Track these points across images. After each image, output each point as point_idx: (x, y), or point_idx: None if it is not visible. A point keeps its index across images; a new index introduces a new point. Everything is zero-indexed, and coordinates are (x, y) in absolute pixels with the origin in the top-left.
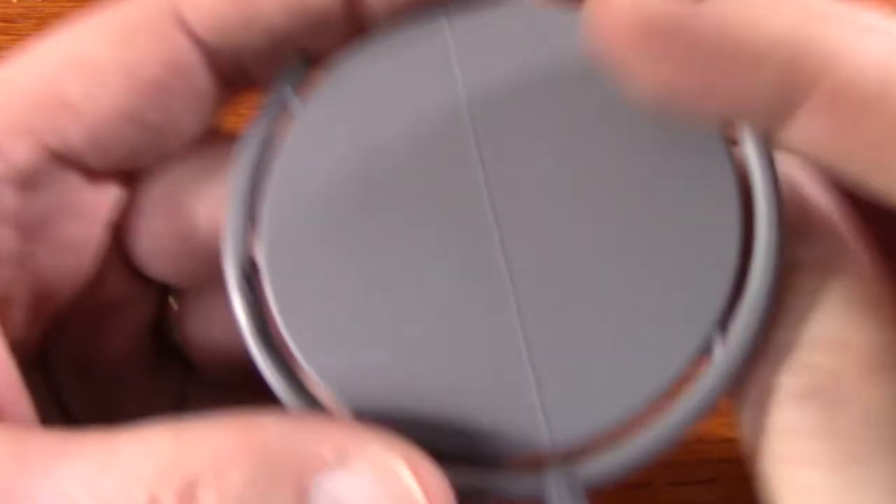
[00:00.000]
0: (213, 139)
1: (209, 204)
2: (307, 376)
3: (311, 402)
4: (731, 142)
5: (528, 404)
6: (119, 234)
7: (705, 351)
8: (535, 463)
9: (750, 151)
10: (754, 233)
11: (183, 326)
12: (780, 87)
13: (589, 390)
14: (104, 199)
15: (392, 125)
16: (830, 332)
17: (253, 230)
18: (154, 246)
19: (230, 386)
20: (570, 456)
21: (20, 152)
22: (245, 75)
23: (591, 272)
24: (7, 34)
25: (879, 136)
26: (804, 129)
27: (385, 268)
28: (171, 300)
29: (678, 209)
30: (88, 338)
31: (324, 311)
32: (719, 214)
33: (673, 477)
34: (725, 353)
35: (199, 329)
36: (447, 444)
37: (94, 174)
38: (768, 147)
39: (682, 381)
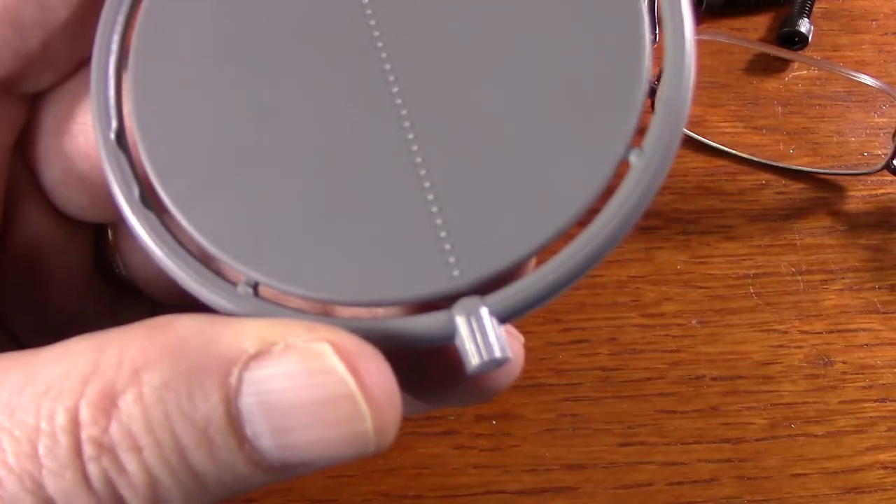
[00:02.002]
0: None
1: None
2: (191, 241)
3: (196, 267)
4: None
5: (434, 244)
6: (29, 163)
7: (621, 164)
8: (446, 304)
9: None
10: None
11: (123, 258)
12: None
13: (497, 224)
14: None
15: None
16: None
17: (121, 95)
18: (63, 169)
19: (195, 308)
20: (483, 292)
21: None
22: None
23: (492, 104)
24: None
25: None
26: None
27: (269, 112)
28: (109, 233)
29: (583, 27)
30: (33, 286)
31: (205, 164)
32: (627, 31)
33: (673, 477)
34: (642, 162)
35: (139, 257)
36: (351, 294)
37: None
38: None
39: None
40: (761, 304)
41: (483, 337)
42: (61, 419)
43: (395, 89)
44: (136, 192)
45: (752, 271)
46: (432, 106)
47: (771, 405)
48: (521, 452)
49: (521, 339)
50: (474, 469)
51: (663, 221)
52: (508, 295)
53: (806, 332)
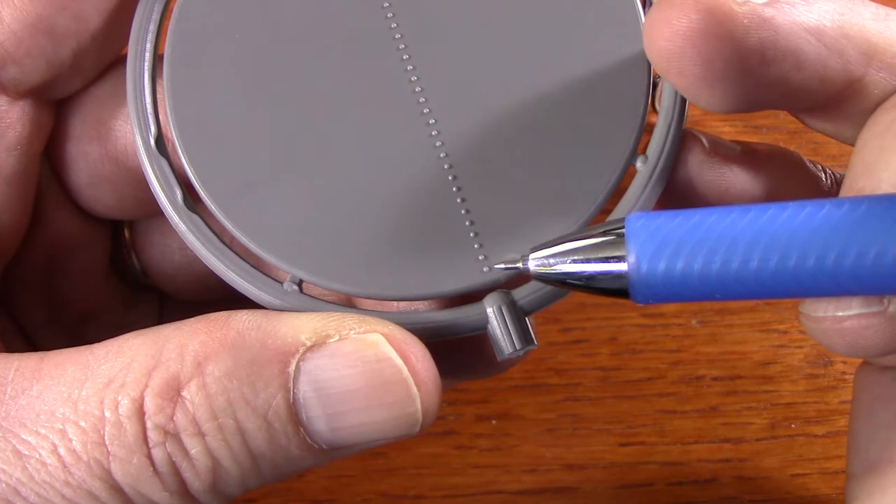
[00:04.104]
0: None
1: None
2: (235, 242)
3: (243, 266)
4: None
5: (466, 242)
6: (57, 167)
7: (628, 166)
8: (475, 298)
9: None
10: None
11: (141, 255)
12: None
13: (521, 224)
14: (30, 125)
15: None
16: None
17: (157, 101)
18: (91, 173)
19: (206, 304)
20: (510, 286)
21: None
22: None
23: (514, 114)
24: None
25: None
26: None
27: (303, 113)
28: (125, 231)
29: (590, 44)
30: (51, 283)
31: (245, 166)
32: (629, 44)
33: (673, 477)
34: (646, 167)
35: (156, 254)
36: (390, 289)
37: (12, 95)
38: None
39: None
40: (761, 304)
41: (513, 327)
42: (127, 408)
43: (419, 90)
44: (179, 195)
45: None
46: (458, 114)
47: (771, 405)
48: (521, 452)
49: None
50: (474, 469)
51: None
52: (533, 288)
53: (806, 333)
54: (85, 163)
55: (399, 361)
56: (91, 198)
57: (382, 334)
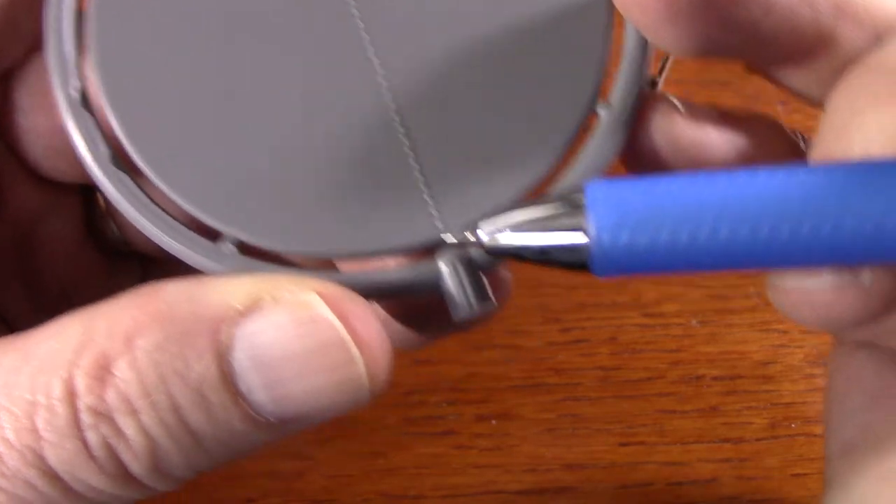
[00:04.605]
0: None
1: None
2: (169, 202)
3: (177, 228)
4: None
5: (416, 196)
6: (10, 141)
7: (589, 113)
8: (429, 254)
9: None
10: None
11: (118, 219)
12: None
13: (476, 177)
14: None
15: None
16: None
17: (82, 52)
18: (44, 145)
19: (188, 267)
20: (467, 242)
21: None
22: None
23: (465, 64)
24: None
25: None
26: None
27: (242, 65)
28: (100, 196)
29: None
30: (23, 258)
31: (178, 122)
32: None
33: (673, 477)
34: (609, 114)
35: None
36: (332, 247)
37: None
38: None
39: (569, 155)
40: (761, 304)
41: (469, 285)
42: (57, 391)
43: (364, 34)
44: (105, 153)
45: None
46: (405, 58)
47: (771, 405)
48: (521, 452)
49: (509, 271)
50: (474, 469)
51: None
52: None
53: (806, 332)
54: (37, 135)
55: (336, 321)
56: (51, 168)
57: (318, 293)
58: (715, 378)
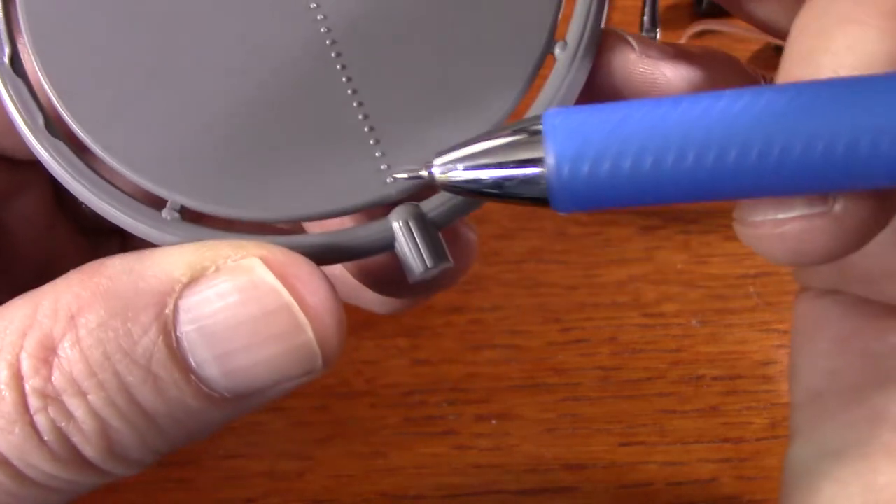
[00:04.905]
0: None
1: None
2: (108, 169)
3: (117, 196)
4: None
5: (364, 152)
6: None
7: (546, 55)
8: (380, 213)
9: None
10: None
11: None
12: None
13: (427, 129)
14: None
15: None
16: None
17: (10, 17)
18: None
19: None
20: (419, 199)
21: None
22: None
23: (413, 12)
24: None
25: None
26: None
27: (178, 23)
28: None
29: None
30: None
31: (114, 84)
32: None
33: (673, 477)
34: (566, 53)
35: None
36: (279, 210)
37: None
38: None
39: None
40: (761, 304)
41: (423, 243)
42: (3, 374)
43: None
44: (40, 120)
45: (752, 271)
46: (352, 13)
47: (771, 405)
48: (521, 452)
49: (474, 230)
50: (474, 469)
51: (663, 221)
52: (445, 198)
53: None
54: None
55: (279, 286)
56: (9, 147)
57: (260, 258)
58: (715, 378)
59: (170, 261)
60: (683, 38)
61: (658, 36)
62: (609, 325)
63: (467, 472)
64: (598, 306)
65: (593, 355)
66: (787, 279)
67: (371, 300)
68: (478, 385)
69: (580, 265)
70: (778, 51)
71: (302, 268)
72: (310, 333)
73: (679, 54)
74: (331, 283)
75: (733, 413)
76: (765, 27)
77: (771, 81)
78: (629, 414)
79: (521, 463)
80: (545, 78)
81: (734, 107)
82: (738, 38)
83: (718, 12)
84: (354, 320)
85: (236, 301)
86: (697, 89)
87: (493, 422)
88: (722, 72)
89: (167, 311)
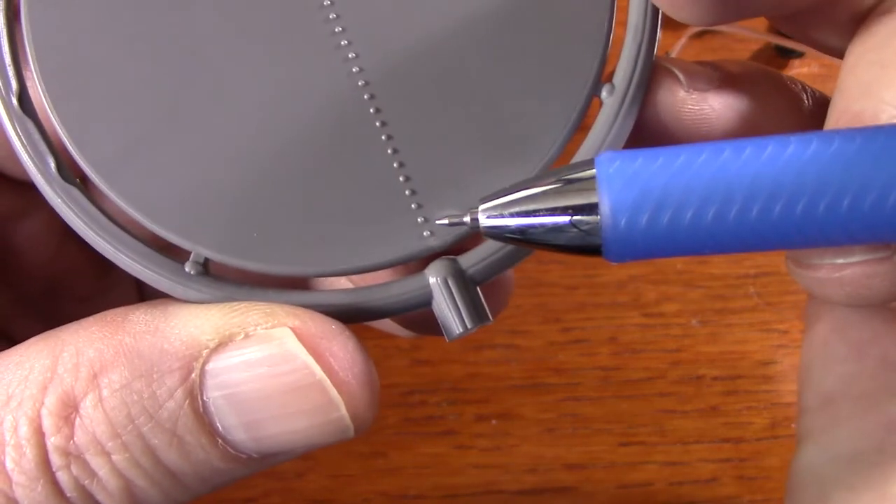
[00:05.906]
0: None
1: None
2: (119, 212)
3: (136, 247)
4: None
5: (401, 204)
6: None
7: (591, 98)
8: (418, 269)
9: None
10: None
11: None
12: None
13: (467, 181)
14: None
15: None
16: None
17: (17, 54)
18: (3, 145)
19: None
20: (457, 252)
21: None
22: None
23: (452, 55)
24: None
25: None
26: None
27: (199, 61)
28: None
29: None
30: (3, 261)
31: (131, 126)
32: None
33: (673, 477)
34: (614, 97)
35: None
36: (310, 265)
37: None
38: None
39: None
40: (761, 304)
41: (462, 302)
42: (24, 430)
43: (334, 16)
44: (52, 165)
45: (752, 271)
46: (383, 43)
47: (771, 405)
48: (521, 452)
49: (511, 274)
50: (474, 469)
51: None
52: (484, 253)
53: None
54: None
55: (311, 361)
56: (11, 169)
57: (292, 329)
58: (715, 378)
59: (196, 323)
60: (683, 38)
61: (658, 36)
62: (609, 325)
63: (467, 472)
64: (599, 306)
65: (593, 355)
66: (787, 279)
67: (393, 328)
68: (478, 385)
69: (580, 265)
70: (778, 51)
71: (335, 340)
72: (342, 409)
73: (724, 80)
74: (365, 353)
75: (733, 413)
76: (820, 49)
77: (813, 94)
78: (629, 414)
79: (520, 463)
80: (591, 120)
81: (802, 155)
82: (738, 37)
83: None
84: None
85: (266, 373)
86: (747, 119)
87: (494, 422)
88: (767, 94)
89: (193, 375)
